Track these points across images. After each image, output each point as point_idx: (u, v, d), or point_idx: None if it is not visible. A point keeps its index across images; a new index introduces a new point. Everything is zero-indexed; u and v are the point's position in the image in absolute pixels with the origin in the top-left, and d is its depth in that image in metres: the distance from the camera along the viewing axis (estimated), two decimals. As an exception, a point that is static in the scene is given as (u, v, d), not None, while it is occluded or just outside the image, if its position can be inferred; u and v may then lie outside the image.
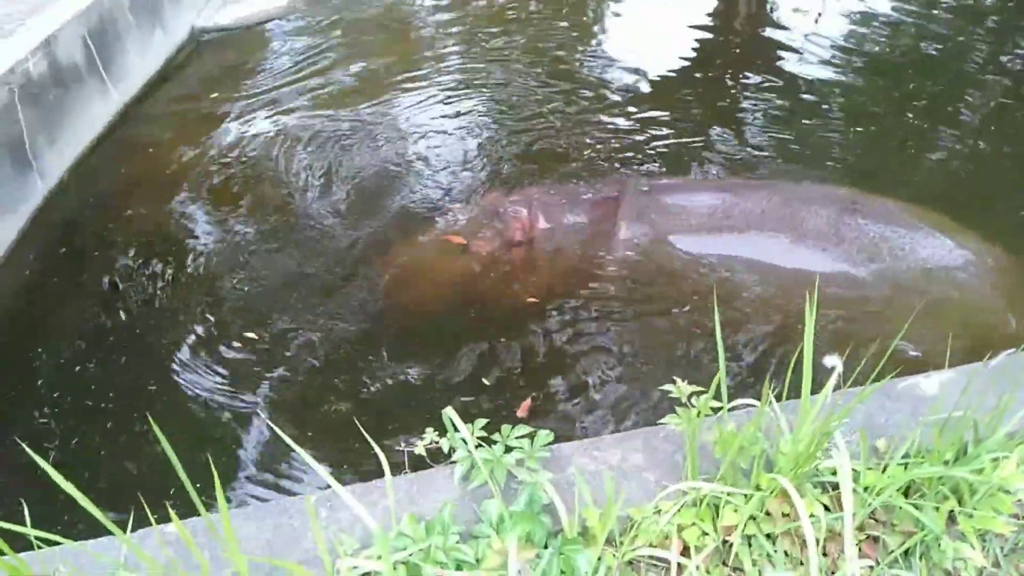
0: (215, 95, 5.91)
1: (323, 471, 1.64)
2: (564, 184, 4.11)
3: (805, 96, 5.47)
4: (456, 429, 1.87)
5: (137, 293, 3.87)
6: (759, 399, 1.80)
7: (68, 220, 4.66)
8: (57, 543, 1.56)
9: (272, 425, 2.31)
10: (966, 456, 1.87)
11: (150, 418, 1.52)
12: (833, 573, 1.82)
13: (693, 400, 1.87)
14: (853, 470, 1.87)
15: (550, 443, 1.93)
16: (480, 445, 1.91)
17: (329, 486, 1.74)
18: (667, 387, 1.94)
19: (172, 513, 1.54)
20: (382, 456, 1.82)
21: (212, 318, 3.58)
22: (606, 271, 3.52)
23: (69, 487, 1.46)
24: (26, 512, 1.61)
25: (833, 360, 1.60)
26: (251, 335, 3.40)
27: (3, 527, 1.47)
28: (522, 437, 1.93)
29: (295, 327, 3.47)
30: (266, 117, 5.51)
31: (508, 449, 1.90)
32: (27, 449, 1.56)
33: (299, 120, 5.39)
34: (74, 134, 5.18)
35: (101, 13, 5.62)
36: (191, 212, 4.53)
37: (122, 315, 3.72)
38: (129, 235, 4.38)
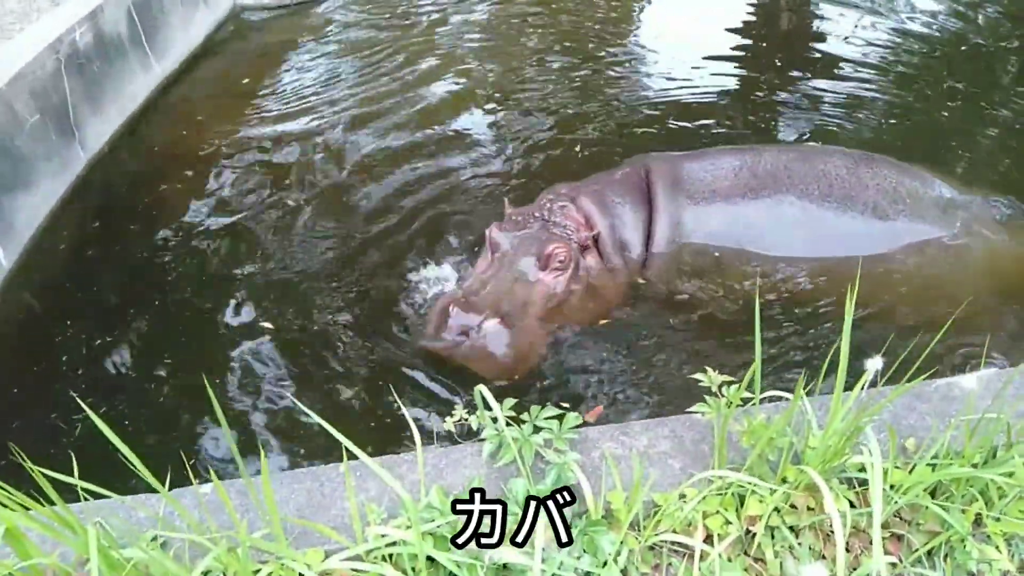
0: (254, 75, 5.98)
1: (350, 443, 1.67)
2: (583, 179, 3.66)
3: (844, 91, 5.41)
4: (488, 407, 1.90)
5: (169, 267, 3.94)
6: (790, 391, 1.81)
7: (106, 190, 4.75)
8: (102, 496, 1.61)
9: (295, 400, 2.35)
10: (996, 459, 1.86)
11: (206, 381, 1.56)
12: (855, 569, 1.82)
13: (723, 390, 1.88)
14: (883, 468, 1.87)
15: (578, 426, 1.95)
16: (509, 424, 1.94)
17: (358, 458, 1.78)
18: (697, 375, 1.95)
19: (213, 474, 1.58)
20: (414, 428, 1.85)
21: (244, 294, 3.64)
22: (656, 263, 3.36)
23: (116, 439, 1.51)
24: (75, 465, 1.66)
25: (876, 362, 1.58)
26: (269, 324, 3.43)
27: (52, 477, 1.53)
28: (551, 418, 1.96)
29: (331, 305, 3.51)
30: (303, 101, 5.56)
31: (536, 429, 1.93)
32: (80, 403, 1.61)
33: (337, 108, 5.42)
34: (116, 105, 5.27)
35: (145, -13, 5.70)
36: (224, 190, 4.59)
37: (155, 286, 3.80)
38: (163, 209, 4.45)
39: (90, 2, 5.10)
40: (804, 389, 1.83)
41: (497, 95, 5.52)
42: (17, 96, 4.32)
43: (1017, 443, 1.86)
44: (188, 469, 1.83)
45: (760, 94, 5.50)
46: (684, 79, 5.68)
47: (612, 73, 5.84)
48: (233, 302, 3.60)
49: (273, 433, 2.90)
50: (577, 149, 4.79)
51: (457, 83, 5.69)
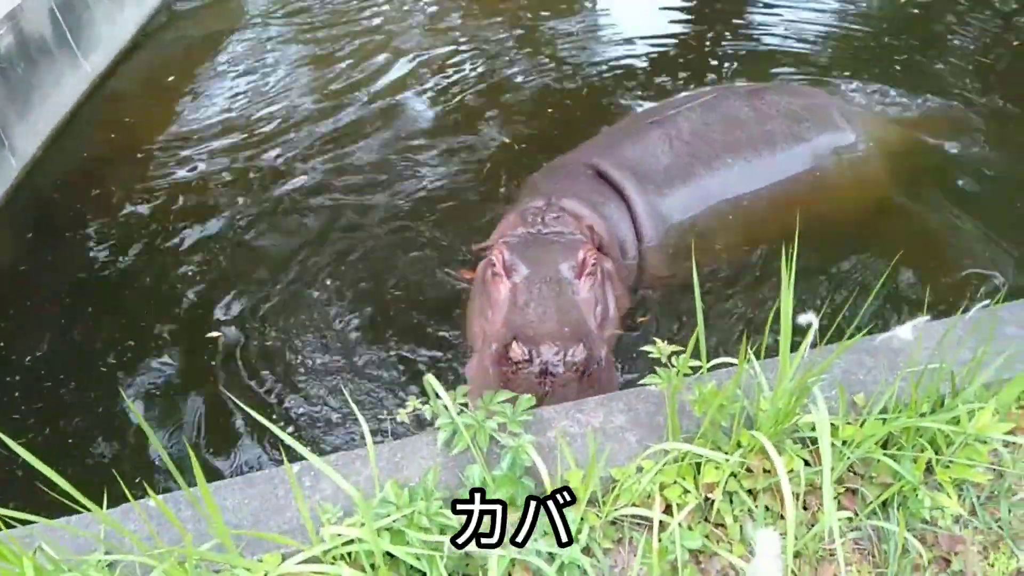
0: (189, 67, 5.80)
1: (297, 444, 1.64)
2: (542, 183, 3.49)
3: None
4: (438, 396, 1.87)
5: (105, 276, 3.82)
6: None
7: (42, 198, 4.59)
8: (29, 522, 1.55)
9: (237, 401, 2.27)
10: (943, 408, 1.89)
11: (124, 396, 1.50)
12: (813, 525, 1.85)
13: (673, 360, 1.87)
14: (832, 424, 1.89)
15: (532, 407, 1.93)
16: (462, 411, 1.92)
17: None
18: (647, 347, 1.94)
19: (150, 490, 1.53)
20: (364, 424, 1.82)
21: (188, 297, 3.56)
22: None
23: (44, 468, 1.45)
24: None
25: (808, 317, 1.59)
26: (215, 333, 3.34)
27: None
28: (504, 402, 1.94)
29: (278, 307, 3.45)
30: (238, 93, 5.41)
31: (491, 415, 1.91)
32: (2, 436, 1.55)
33: (274, 98, 5.29)
34: (46, 108, 5.07)
35: (67, -17, 5.47)
36: (160, 192, 4.45)
37: (94, 295, 3.69)
38: (101, 214, 4.31)
39: (8, 3, 4.88)
40: (752, 349, 1.84)
41: (438, 73, 5.43)
42: (-64, 107, 4.14)
43: (962, 390, 1.89)
44: (145, 484, 1.78)
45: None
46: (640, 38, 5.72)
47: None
48: (173, 310, 3.50)
49: (230, 438, 2.85)
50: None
51: (398, 66, 5.58)
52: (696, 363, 1.86)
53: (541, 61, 5.47)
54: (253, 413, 1.66)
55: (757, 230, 3.49)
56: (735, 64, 5.39)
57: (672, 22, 6.03)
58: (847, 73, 5.04)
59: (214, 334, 3.29)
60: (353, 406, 1.88)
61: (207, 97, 5.39)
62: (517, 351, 2.44)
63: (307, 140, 4.77)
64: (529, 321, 2.59)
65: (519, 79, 5.27)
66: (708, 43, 5.68)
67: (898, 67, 5.20)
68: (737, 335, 3.07)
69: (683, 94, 4.32)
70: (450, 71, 5.42)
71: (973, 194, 3.92)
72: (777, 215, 3.45)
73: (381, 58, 5.62)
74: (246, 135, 4.89)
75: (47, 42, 5.17)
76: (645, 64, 5.42)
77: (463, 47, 5.75)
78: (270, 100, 5.25)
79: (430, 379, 1.87)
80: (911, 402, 1.86)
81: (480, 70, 5.40)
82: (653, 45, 5.63)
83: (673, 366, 1.84)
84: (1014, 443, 2.00)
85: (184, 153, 4.78)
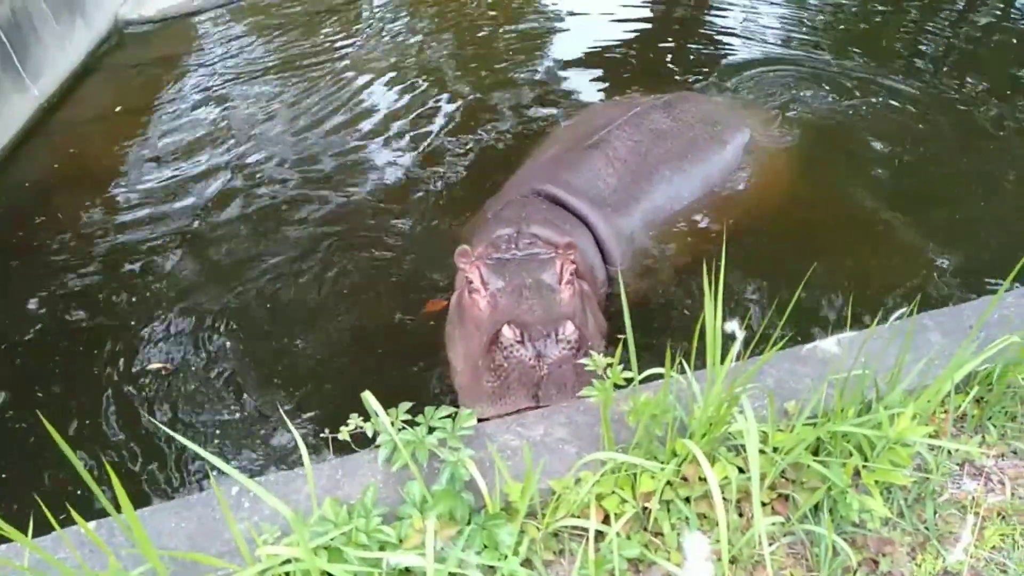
0: (141, 92, 5.75)
1: (229, 468, 1.63)
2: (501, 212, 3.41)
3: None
4: (376, 414, 1.89)
5: (48, 305, 3.76)
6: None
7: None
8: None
9: (165, 428, 2.24)
10: (868, 413, 1.96)
11: (43, 419, 1.49)
12: (748, 531, 1.89)
13: (608, 372, 1.91)
14: (763, 432, 1.94)
15: (473, 424, 1.95)
16: (404, 428, 1.93)
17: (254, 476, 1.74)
18: (584, 360, 1.98)
19: (76, 516, 1.52)
20: (301, 444, 1.82)
21: (129, 324, 3.51)
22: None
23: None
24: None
25: (732, 326, 1.65)
26: (157, 364, 3.30)
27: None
28: (445, 418, 1.95)
29: (221, 330, 3.42)
30: (192, 116, 5.38)
31: (431, 430, 1.92)
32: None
33: (228, 120, 5.27)
34: (-7, 132, 4.99)
35: (12, 4, 5.40)
36: (113, 219, 4.39)
37: (40, 325, 3.62)
38: (50, 241, 4.23)
39: (-51, 25, 4.81)
40: (680, 357, 1.89)
41: (393, 75, 5.50)
42: None
43: (885, 395, 1.96)
44: (74, 512, 1.75)
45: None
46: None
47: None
48: (116, 338, 3.44)
49: (164, 462, 2.82)
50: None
51: (351, 81, 5.61)
52: (630, 375, 1.90)
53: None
54: (185, 441, 1.65)
55: (705, 232, 3.66)
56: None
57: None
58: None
59: (155, 365, 3.25)
60: (290, 424, 1.88)
61: (159, 124, 5.34)
62: (508, 333, 2.40)
63: (262, 166, 4.76)
64: (517, 311, 2.57)
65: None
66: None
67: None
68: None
69: (596, 105, 4.65)
70: (408, 79, 5.50)
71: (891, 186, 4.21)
72: (718, 214, 3.70)
73: (340, 83, 5.64)
74: (200, 160, 4.85)
75: (-8, 65, 5.10)
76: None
77: (411, 60, 5.83)
78: (224, 127, 5.23)
79: (367, 397, 1.88)
80: (836, 409, 1.92)
81: (434, 92, 5.45)
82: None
83: (607, 377, 1.87)
84: (937, 446, 2.08)
85: (134, 181, 4.72)
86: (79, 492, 2.69)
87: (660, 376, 2.05)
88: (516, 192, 3.52)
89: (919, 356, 2.13)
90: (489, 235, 3.07)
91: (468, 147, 4.73)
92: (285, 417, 2.03)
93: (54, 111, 5.57)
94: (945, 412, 2.16)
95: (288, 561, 1.67)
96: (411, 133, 4.93)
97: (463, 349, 2.72)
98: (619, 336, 3.09)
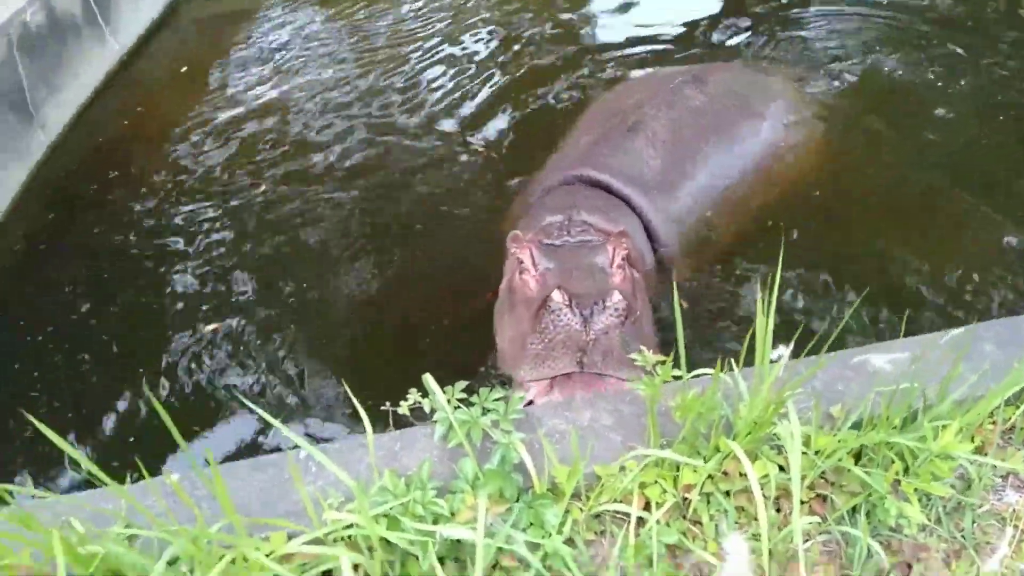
0: (217, 43, 5.90)
1: (296, 437, 1.77)
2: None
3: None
4: (434, 393, 2.00)
5: (130, 254, 3.97)
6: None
7: (69, 173, 4.74)
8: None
9: (245, 400, 2.41)
10: (914, 423, 1.99)
11: (147, 392, 1.64)
12: (783, 527, 1.96)
13: (657, 369, 1.98)
14: (807, 435, 1.99)
15: (523, 408, 2.05)
16: (459, 407, 2.04)
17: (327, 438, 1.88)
18: (633, 356, 2.05)
19: (168, 475, 1.67)
20: (365, 416, 1.95)
21: (210, 281, 3.70)
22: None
23: (69, 448, 1.59)
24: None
25: (780, 351, 1.70)
26: (214, 325, 3.48)
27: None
28: (498, 400, 2.06)
29: (293, 290, 3.58)
30: (269, 69, 5.51)
31: (485, 411, 2.03)
32: (31, 418, 1.68)
33: (307, 75, 5.38)
34: (74, 86, 5.22)
35: (96, -42, 5.58)
36: (187, 171, 4.59)
37: (119, 272, 3.84)
38: (124, 192, 4.46)
39: (39, -19, 5.01)
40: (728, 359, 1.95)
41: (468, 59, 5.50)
42: (-30, 83, 4.29)
43: (933, 406, 1.99)
44: (142, 467, 1.92)
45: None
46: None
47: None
48: (190, 293, 3.64)
49: (238, 421, 3.01)
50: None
51: (433, 42, 5.65)
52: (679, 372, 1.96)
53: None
54: (258, 410, 1.79)
55: (751, 210, 3.68)
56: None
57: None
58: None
59: (212, 326, 3.42)
60: (354, 399, 2.01)
61: (232, 78, 5.50)
62: (557, 296, 2.47)
63: (339, 119, 4.86)
64: (567, 283, 2.61)
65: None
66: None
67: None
68: (736, 333, 3.17)
69: (625, 83, 4.57)
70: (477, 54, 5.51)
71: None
72: (763, 189, 3.71)
73: (414, 46, 5.67)
74: (273, 117, 4.99)
75: (77, 20, 5.30)
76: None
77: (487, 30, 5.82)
78: (303, 76, 5.34)
79: (428, 379, 2.00)
80: (882, 417, 1.96)
81: (501, 57, 5.45)
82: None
83: (657, 374, 1.94)
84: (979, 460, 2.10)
85: (208, 134, 4.90)
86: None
87: (706, 374, 2.12)
88: (557, 177, 3.52)
89: (972, 367, 2.14)
90: (538, 222, 3.10)
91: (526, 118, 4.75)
92: (347, 389, 2.16)
93: (128, 65, 5.79)
94: (993, 423, 2.17)
95: (350, 526, 1.81)
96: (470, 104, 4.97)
97: (511, 331, 2.78)
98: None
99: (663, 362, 1.94)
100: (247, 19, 6.26)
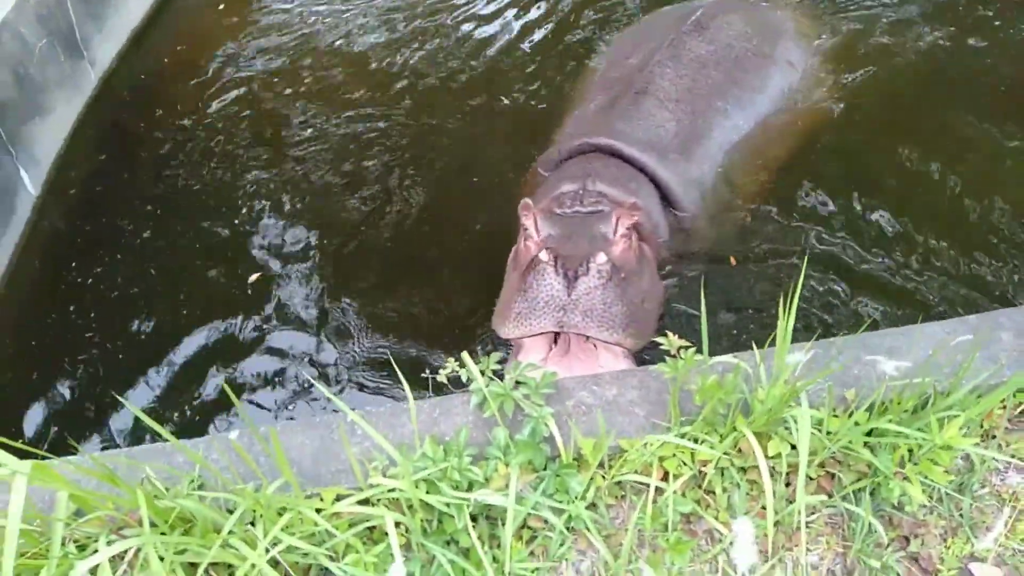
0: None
1: (343, 405, 1.96)
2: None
3: None
4: (468, 367, 2.16)
5: (181, 194, 4.13)
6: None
7: (120, 106, 4.88)
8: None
9: (306, 373, 2.62)
10: (924, 410, 2.09)
11: (228, 388, 1.80)
12: (792, 501, 2.11)
13: (682, 353, 2.10)
14: (820, 418, 2.11)
15: (554, 382, 2.20)
16: (492, 379, 2.20)
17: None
18: (659, 339, 2.17)
19: (230, 437, 1.87)
20: (407, 387, 2.12)
21: (251, 235, 3.86)
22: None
23: (149, 420, 1.79)
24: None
25: (797, 357, 1.80)
26: (256, 275, 3.59)
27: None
28: (531, 374, 2.20)
29: (340, 246, 3.72)
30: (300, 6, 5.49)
31: (518, 384, 2.18)
32: (120, 399, 1.88)
33: (351, 17, 5.35)
34: (120, 18, 5.28)
35: None
36: (235, 106, 4.69)
37: (167, 217, 4.02)
38: (173, 127, 4.60)
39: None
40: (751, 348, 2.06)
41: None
42: (24, 22, 4.38)
43: (946, 393, 2.08)
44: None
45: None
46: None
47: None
48: (241, 242, 3.81)
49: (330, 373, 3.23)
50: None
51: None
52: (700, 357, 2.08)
53: None
54: (316, 384, 1.96)
55: (773, 163, 3.63)
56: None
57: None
58: None
59: (254, 277, 3.59)
60: (398, 370, 2.17)
61: (276, 12, 5.50)
62: (543, 256, 2.56)
63: (392, 56, 4.87)
64: (564, 246, 2.69)
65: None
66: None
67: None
68: (762, 305, 3.24)
69: (623, 36, 4.40)
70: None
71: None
72: (782, 139, 3.66)
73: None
74: (323, 45, 5.02)
75: (120, -50, 5.31)
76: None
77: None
78: (355, 8, 5.32)
79: (465, 357, 2.15)
80: (893, 404, 2.07)
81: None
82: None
83: (681, 358, 2.07)
84: (987, 438, 2.21)
85: (256, 65, 4.97)
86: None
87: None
88: (571, 146, 3.46)
89: (989, 355, 2.23)
90: (554, 191, 3.12)
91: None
92: (392, 361, 2.32)
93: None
94: (1003, 407, 2.27)
95: (393, 489, 2.01)
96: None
97: (505, 293, 2.86)
98: (675, 306, 3.23)
99: (687, 347, 2.06)
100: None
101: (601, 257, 2.56)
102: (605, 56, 4.31)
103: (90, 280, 3.75)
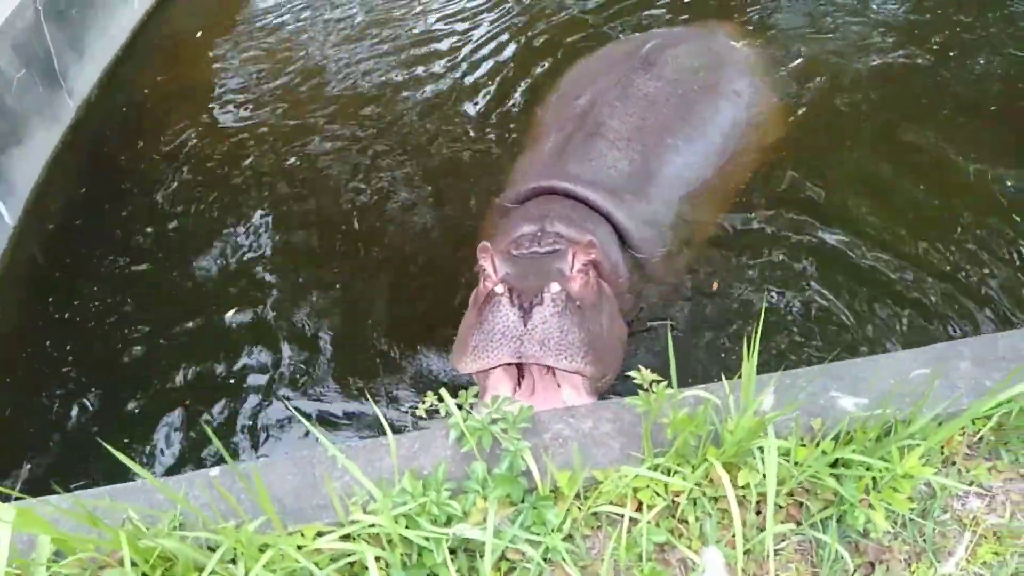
0: (237, 5, 5.93)
1: (325, 440, 1.99)
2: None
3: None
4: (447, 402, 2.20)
5: (161, 221, 4.15)
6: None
7: (96, 138, 4.90)
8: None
9: (285, 402, 2.67)
10: (887, 438, 2.17)
11: (207, 427, 1.83)
12: (762, 529, 2.17)
13: (653, 386, 2.16)
14: (788, 447, 2.18)
15: (530, 416, 2.25)
16: (471, 413, 2.24)
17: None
18: (631, 373, 2.23)
19: (209, 469, 1.90)
20: (384, 421, 2.17)
21: (235, 261, 3.89)
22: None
23: (129, 462, 1.82)
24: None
25: (769, 401, 1.88)
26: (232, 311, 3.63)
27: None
28: (508, 409, 2.26)
29: (320, 282, 3.76)
30: (294, 23, 5.55)
31: (494, 420, 2.23)
32: (104, 444, 1.90)
33: (338, 27, 5.42)
34: (99, 47, 5.32)
35: (116, -82, 5.58)
36: (213, 133, 4.73)
37: (146, 250, 4.03)
38: (152, 155, 4.62)
39: (61, -56, 5.04)
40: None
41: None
42: (1, 52, 4.40)
43: (907, 422, 2.17)
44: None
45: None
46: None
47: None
48: (221, 275, 3.83)
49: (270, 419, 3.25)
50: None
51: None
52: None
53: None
54: (297, 416, 2.00)
55: (727, 195, 3.70)
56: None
57: None
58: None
59: (232, 312, 3.61)
60: (375, 407, 2.22)
61: (262, 26, 5.55)
62: (498, 289, 2.56)
63: (376, 75, 4.94)
64: (521, 283, 2.66)
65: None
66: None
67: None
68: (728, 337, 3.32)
69: (572, 73, 4.42)
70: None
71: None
72: (735, 171, 3.71)
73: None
74: (300, 75, 5.07)
75: (99, -19, 5.35)
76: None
77: None
78: (323, 40, 5.39)
79: (443, 394, 2.20)
80: (858, 433, 2.15)
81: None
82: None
83: (653, 392, 2.13)
84: (948, 465, 2.29)
85: (236, 95, 5.01)
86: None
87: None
88: (526, 189, 3.47)
89: (949, 383, 2.32)
90: (512, 233, 3.13)
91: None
92: (368, 396, 2.36)
93: (155, 20, 5.84)
94: (963, 434, 2.35)
95: (374, 524, 2.05)
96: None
97: (463, 331, 2.85)
98: (644, 331, 3.30)
99: (659, 381, 2.12)
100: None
101: (555, 286, 2.58)
102: (556, 95, 4.31)
103: (67, 313, 3.75)
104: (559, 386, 2.79)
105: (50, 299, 3.80)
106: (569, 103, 3.95)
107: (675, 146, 3.61)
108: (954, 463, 2.32)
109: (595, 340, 2.67)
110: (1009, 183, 3.82)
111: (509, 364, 2.69)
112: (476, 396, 2.28)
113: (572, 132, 3.64)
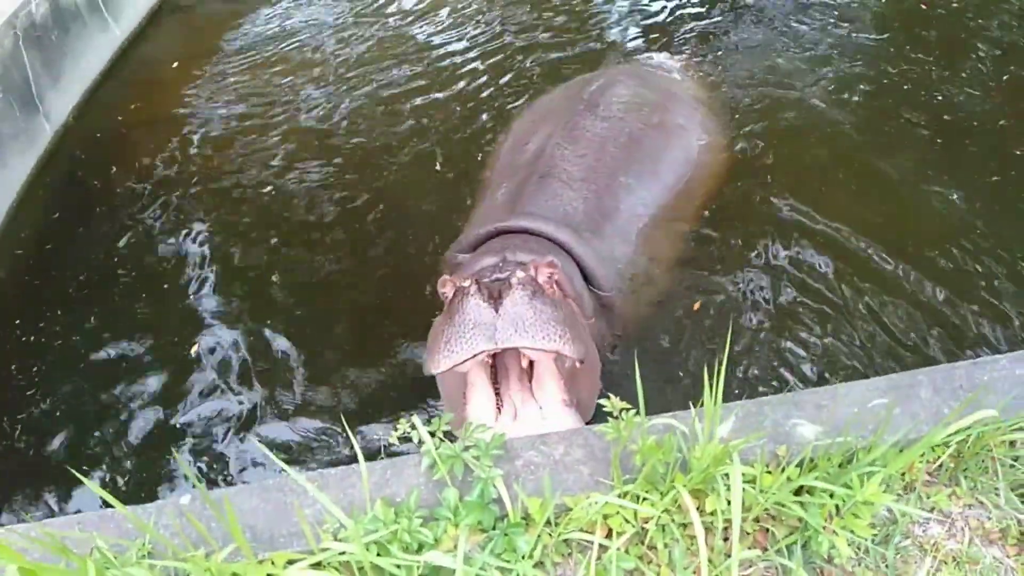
0: (218, 28, 5.98)
1: (292, 471, 2.00)
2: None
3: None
4: (423, 427, 2.23)
5: (135, 249, 4.15)
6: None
7: (74, 162, 4.90)
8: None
9: (254, 439, 2.68)
10: (851, 464, 2.23)
11: (179, 459, 1.84)
12: (729, 555, 2.21)
13: (623, 415, 2.20)
14: (754, 474, 2.23)
15: (502, 444, 2.28)
16: (442, 441, 2.27)
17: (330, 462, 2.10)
18: (602, 401, 2.28)
19: (181, 496, 1.90)
20: (358, 448, 2.18)
21: (213, 288, 3.89)
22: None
23: (98, 489, 1.82)
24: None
25: (726, 427, 1.93)
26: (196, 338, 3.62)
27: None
28: (480, 436, 2.28)
29: (299, 307, 3.79)
30: (274, 52, 5.61)
31: (467, 447, 2.26)
32: (72, 471, 1.90)
33: (315, 57, 5.48)
34: (77, 74, 5.34)
35: (98, -52, 5.63)
36: (191, 158, 4.75)
37: (121, 271, 4.03)
38: (129, 178, 4.62)
39: (42, -28, 5.07)
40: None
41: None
42: (-22, 78, 4.40)
43: (868, 448, 2.23)
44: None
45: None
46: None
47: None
48: (190, 305, 3.83)
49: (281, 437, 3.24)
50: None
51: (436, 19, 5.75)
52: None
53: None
54: (268, 453, 2.01)
55: (684, 229, 3.75)
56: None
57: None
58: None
59: (197, 342, 3.61)
60: (350, 434, 2.23)
61: (241, 56, 5.60)
62: (466, 283, 2.51)
63: (351, 103, 5.00)
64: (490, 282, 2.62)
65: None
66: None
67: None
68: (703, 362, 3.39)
69: (521, 118, 4.50)
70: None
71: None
72: (690, 205, 3.77)
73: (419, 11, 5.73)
74: (272, 107, 5.13)
75: (80, 8, 5.38)
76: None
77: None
78: (309, 59, 5.46)
79: (415, 422, 2.22)
80: (821, 459, 2.20)
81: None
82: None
83: (623, 419, 2.17)
84: (909, 493, 2.35)
85: (213, 123, 5.04)
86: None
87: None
88: (485, 230, 3.44)
89: (909, 411, 2.39)
90: (474, 267, 3.09)
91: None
92: (348, 429, 2.37)
93: (134, 50, 5.88)
94: (923, 461, 2.42)
95: (344, 552, 2.06)
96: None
97: (431, 344, 2.74)
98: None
99: (628, 409, 2.17)
100: (248, 9, 6.32)
101: (520, 273, 2.55)
102: (505, 142, 4.30)
103: (33, 337, 3.72)
104: (540, 408, 2.79)
105: (17, 322, 3.77)
106: (519, 150, 3.95)
107: (627, 184, 3.63)
108: (915, 489, 2.38)
109: (569, 321, 2.61)
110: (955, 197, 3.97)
111: (489, 388, 2.73)
112: (448, 423, 2.31)
113: (525, 177, 3.63)
